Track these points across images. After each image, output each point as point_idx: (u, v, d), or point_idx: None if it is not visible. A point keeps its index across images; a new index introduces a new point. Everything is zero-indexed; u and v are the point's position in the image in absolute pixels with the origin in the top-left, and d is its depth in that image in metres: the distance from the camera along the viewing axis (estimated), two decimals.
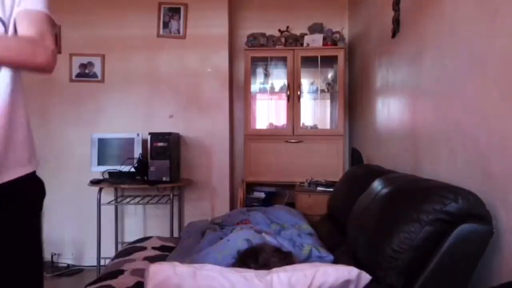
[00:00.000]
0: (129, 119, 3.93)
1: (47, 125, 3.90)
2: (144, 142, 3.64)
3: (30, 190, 1.27)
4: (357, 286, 1.40)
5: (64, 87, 3.94)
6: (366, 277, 1.42)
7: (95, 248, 3.53)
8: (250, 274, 1.38)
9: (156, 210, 3.95)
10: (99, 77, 3.97)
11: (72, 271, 3.81)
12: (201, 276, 1.35)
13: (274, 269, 1.42)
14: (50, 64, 1.22)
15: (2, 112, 1.16)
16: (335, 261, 1.85)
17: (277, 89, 4.16)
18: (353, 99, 4.02)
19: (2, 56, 1.11)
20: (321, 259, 1.88)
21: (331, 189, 3.01)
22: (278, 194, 4.11)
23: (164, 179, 3.47)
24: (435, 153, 2.00)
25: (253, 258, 1.64)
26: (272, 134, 4.03)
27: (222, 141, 4.00)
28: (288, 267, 1.44)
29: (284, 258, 1.64)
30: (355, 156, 3.25)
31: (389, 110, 2.80)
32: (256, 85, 4.20)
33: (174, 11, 3.97)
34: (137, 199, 3.75)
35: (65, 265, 3.89)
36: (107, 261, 3.02)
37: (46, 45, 1.22)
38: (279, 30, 4.10)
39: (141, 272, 1.57)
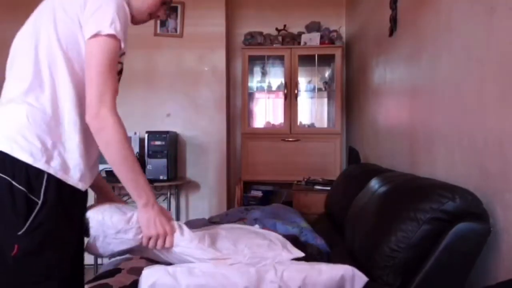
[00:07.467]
0: (126, 118, 3.87)
1: None
2: (141, 140, 3.63)
3: None
4: (352, 285, 1.40)
5: None
6: (361, 276, 1.42)
7: None
8: (244, 268, 1.38)
9: None
10: None
11: None
12: (196, 272, 1.36)
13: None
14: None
15: None
16: (332, 260, 1.85)
17: (274, 87, 4.16)
18: (350, 97, 4.02)
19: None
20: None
21: (329, 188, 3.01)
22: (276, 193, 4.11)
23: (161, 177, 3.47)
24: (433, 152, 2.00)
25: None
26: (269, 133, 4.03)
27: (219, 139, 3.99)
28: (285, 261, 1.44)
29: (303, 248, 1.65)
30: (352, 155, 3.25)
31: (386, 109, 2.81)
32: (253, 83, 4.20)
33: (171, 10, 3.95)
34: None
35: None
36: (105, 260, 3.01)
37: (102, 117, 1.20)
38: (277, 29, 4.10)
39: (138, 271, 1.57)
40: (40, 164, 1.15)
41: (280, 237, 1.63)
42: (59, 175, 1.19)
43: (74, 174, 1.23)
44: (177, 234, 1.36)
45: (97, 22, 1.18)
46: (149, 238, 1.32)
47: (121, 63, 1.35)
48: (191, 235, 1.39)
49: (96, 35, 1.18)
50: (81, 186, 1.25)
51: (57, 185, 1.18)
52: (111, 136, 1.22)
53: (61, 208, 1.19)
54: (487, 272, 1.49)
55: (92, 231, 1.30)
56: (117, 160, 1.27)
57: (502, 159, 1.42)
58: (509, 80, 1.38)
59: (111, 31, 1.18)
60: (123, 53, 1.35)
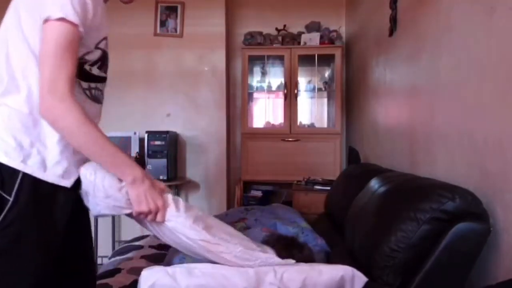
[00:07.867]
0: (126, 118, 3.91)
1: None
2: (141, 140, 3.63)
3: None
4: (352, 285, 1.40)
5: None
6: (361, 277, 1.42)
7: None
8: (244, 269, 1.38)
9: None
10: None
11: None
12: (195, 273, 1.35)
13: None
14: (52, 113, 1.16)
15: None
16: (332, 261, 1.85)
17: (274, 87, 4.16)
18: (350, 97, 4.02)
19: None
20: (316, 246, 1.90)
21: (329, 188, 3.01)
22: (275, 193, 4.11)
23: (161, 177, 3.46)
24: (432, 151, 2.00)
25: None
26: (269, 133, 4.03)
27: (219, 139, 3.99)
28: (283, 264, 1.44)
29: (300, 249, 1.64)
30: (352, 155, 3.25)
31: (386, 109, 2.81)
32: (253, 83, 4.20)
33: (171, 10, 3.96)
34: None
35: None
36: (104, 260, 3.01)
37: (50, 107, 1.13)
38: (276, 29, 4.10)
39: (138, 271, 1.57)
40: (15, 163, 1.14)
41: (271, 250, 1.60)
42: (38, 173, 1.17)
43: (55, 172, 1.20)
44: (172, 209, 1.31)
45: (46, 8, 1.12)
46: (140, 214, 1.27)
47: (100, 49, 1.30)
48: (187, 213, 1.34)
49: (46, 21, 1.12)
50: (64, 183, 1.22)
51: (33, 185, 1.16)
52: (66, 124, 1.15)
53: (38, 207, 1.17)
54: (487, 272, 1.49)
55: (83, 186, 1.26)
56: (84, 145, 1.19)
57: (502, 159, 1.42)
58: (509, 80, 1.38)
59: (61, 15, 1.11)
60: (104, 38, 1.30)
